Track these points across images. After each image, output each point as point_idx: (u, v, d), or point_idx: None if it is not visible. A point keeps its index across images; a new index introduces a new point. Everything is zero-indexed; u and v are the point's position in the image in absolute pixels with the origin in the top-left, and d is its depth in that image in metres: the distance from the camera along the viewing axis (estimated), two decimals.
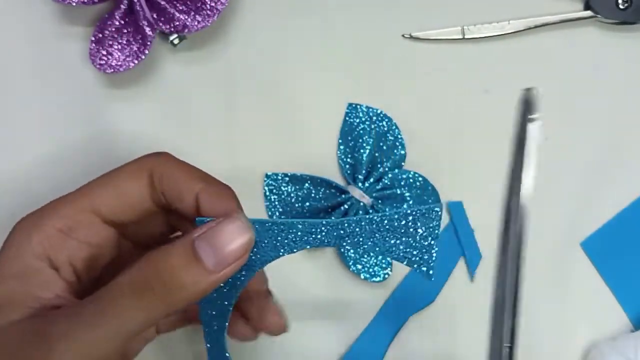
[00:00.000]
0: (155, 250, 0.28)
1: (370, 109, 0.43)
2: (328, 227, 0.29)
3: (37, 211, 0.31)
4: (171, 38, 0.42)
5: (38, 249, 0.29)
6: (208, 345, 0.32)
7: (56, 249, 0.30)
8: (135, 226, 0.32)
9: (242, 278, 0.30)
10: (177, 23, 0.41)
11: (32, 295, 0.29)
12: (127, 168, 0.31)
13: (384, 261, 0.42)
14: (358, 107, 0.44)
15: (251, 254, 0.29)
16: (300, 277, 0.43)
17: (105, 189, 0.31)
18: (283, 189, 0.43)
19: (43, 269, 0.29)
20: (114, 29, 0.41)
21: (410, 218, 0.29)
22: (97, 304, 0.27)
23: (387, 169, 0.43)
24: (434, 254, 0.30)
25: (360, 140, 0.43)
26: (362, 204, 0.42)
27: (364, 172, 0.43)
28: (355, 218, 0.29)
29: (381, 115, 0.43)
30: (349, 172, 0.43)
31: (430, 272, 0.30)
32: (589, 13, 0.44)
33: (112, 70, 0.41)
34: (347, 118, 0.43)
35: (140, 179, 0.31)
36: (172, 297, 0.27)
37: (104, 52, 0.41)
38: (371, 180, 0.43)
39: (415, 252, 0.30)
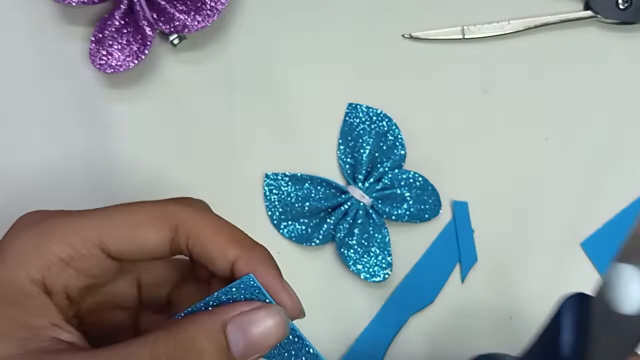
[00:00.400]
0: (181, 323, 0.26)
1: (370, 109, 0.43)
2: None
3: (33, 229, 0.28)
4: (171, 38, 0.42)
5: (33, 272, 0.27)
6: None
7: (53, 275, 0.28)
8: (144, 265, 0.31)
9: None
10: (177, 23, 0.41)
11: (23, 323, 0.27)
12: (148, 212, 0.29)
13: (384, 261, 0.42)
14: (358, 107, 0.44)
15: None
16: (300, 277, 0.43)
17: (118, 229, 0.28)
18: (283, 189, 0.43)
19: (36, 294, 0.27)
20: (114, 29, 0.41)
21: (234, 289, 0.28)
22: None
23: (387, 169, 0.43)
24: None
25: (360, 140, 0.43)
26: (362, 204, 0.42)
27: (364, 172, 0.43)
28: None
29: (381, 115, 0.43)
30: (349, 172, 0.43)
31: None
32: (589, 13, 0.44)
33: (112, 70, 0.41)
34: (347, 118, 0.43)
35: (161, 231, 0.29)
36: None
37: (104, 52, 0.41)
38: (371, 180, 0.43)
39: None
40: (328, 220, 0.42)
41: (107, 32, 0.41)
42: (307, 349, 0.29)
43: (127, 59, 0.41)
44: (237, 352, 0.26)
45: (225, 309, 0.27)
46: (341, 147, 0.43)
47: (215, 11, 0.41)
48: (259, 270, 0.28)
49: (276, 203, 0.43)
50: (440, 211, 0.43)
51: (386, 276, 0.42)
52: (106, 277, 0.30)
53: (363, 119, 0.43)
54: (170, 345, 0.26)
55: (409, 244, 0.43)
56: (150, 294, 0.32)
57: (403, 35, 0.44)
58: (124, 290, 0.32)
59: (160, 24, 0.41)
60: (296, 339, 0.29)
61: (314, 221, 0.43)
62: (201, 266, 0.29)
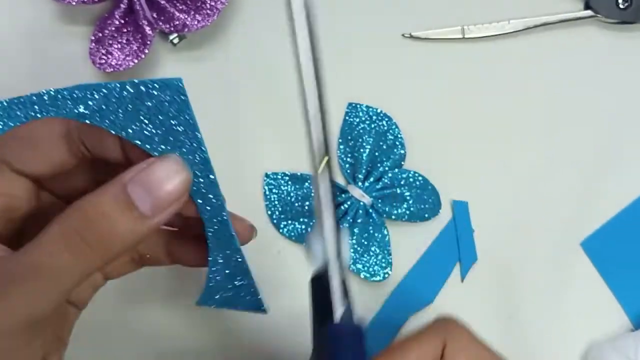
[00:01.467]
0: (84, 197, 0.25)
1: (370, 109, 0.43)
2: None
3: None
4: (171, 37, 0.42)
5: None
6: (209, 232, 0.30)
7: None
8: (54, 179, 0.30)
9: None
10: (177, 22, 0.41)
11: None
12: (39, 120, 0.28)
13: (383, 261, 0.42)
14: (358, 107, 0.44)
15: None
16: (300, 277, 0.43)
17: (14, 140, 0.28)
18: (283, 188, 0.43)
19: None
20: (114, 28, 0.41)
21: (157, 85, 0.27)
22: (29, 257, 0.25)
23: (387, 169, 0.43)
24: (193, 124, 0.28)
25: (360, 140, 0.43)
26: (362, 203, 0.42)
27: (363, 171, 0.43)
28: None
29: (381, 115, 0.43)
30: (348, 171, 0.43)
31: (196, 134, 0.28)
32: (589, 13, 0.44)
33: (112, 69, 0.41)
34: (347, 118, 0.43)
35: (54, 128, 0.28)
36: (107, 248, 0.25)
37: (104, 52, 0.41)
38: (371, 179, 0.43)
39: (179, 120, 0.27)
40: None
41: (107, 31, 0.41)
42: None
43: (127, 58, 0.41)
44: (145, 209, 0.25)
45: (123, 174, 0.26)
46: (341, 146, 0.43)
47: (215, 10, 0.41)
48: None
49: (276, 202, 0.43)
50: (440, 211, 0.43)
51: (386, 276, 0.42)
52: (22, 199, 0.29)
53: (363, 119, 0.43)
54: (75, 218, 0.25)
55: (409, 243, 0.43)
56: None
57: (403, 35, 0.44)
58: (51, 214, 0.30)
59: (160, 23, 0.41)
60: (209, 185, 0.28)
61: (314, 220, 0.43)
62: (99, 159, 0.29)
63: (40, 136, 0.28)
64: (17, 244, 0.28)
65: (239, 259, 0.31)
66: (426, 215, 0.43)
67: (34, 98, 0.26)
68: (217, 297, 0.33)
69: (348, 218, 0.42)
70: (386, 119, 0.43)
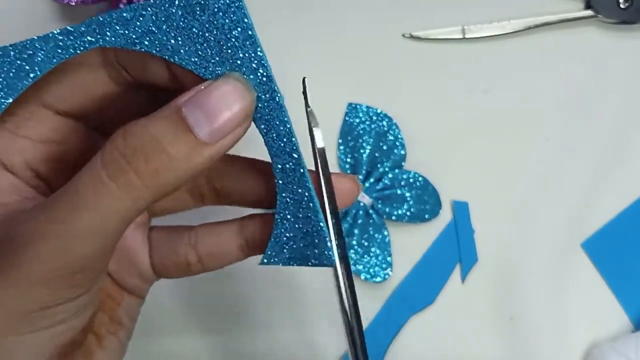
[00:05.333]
0: (132, 122, 0.23)
1: (370, 109, 0.43)
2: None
3: None
4: None
5: None
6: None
7: (6, 151, 0.25)
8: (100, 114, 0.27)
9: None
10: None
11: None
12: (75, 57, 0.25)
13: (384, 261, 0.42)
14: (358, 107, 0.43)
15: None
16: (300, 277, 0.43)
17: (53, 79, 0.25)
18: None
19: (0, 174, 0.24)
20: None
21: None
22: (70, 195, 0.22)
23: (387, 169, 0.43)
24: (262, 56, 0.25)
25: (360, 140, 0.43)
26: (362, 204, 0.42)
27: (364, 172, 0.42)
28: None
29: (381, 115, 0.43)
30: (349, 172, 0.43)
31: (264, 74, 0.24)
32: (589, 12, 0.44)
33: None
34: (347, 118, 0.43)
35: (92, 58, 0.25)
36: (159, 178, 0.22)
37: None
38: (371, 180, 0.42)
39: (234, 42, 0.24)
40: None
41: None
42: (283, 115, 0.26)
43: None
44: (204, 134, 0.22)
45: (183, 94, 0.23)
46: (341, 147, 0.43)
47: None
48: None
49: None
50: (441, 211, 0.43)
51: (386, 276, 0.42)
52: (70, 143, 0.26)
53: (363, 119, 0.43)
54: (121, 143, 0.22)
55: (409, 244, 0.43)
56: None
57: (403, 35, 0.44)
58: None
59: None
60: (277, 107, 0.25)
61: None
62: (144, 85, 0.26)
63: (78, 69, 0.25)
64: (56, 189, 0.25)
65: (310, 201, 0.26)
66: (426, 216, 0.43)
67: (82, 28, 0.24)
68: (285, 250, 0.28)
69: (348, 219, 0.42)
70: (386, 119, 0.43)
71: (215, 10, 0.24)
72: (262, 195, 0.29)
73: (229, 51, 0.24)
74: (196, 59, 0.24)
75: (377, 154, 0.43)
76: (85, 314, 0.24)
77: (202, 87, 0.23)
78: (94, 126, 0.27)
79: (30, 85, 0.24)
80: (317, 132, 0.28)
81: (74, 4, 0.41)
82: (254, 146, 0.28)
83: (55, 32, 0.24)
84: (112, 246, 0.23)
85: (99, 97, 0.26)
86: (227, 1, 0.24)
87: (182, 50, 0.24)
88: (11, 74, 0.24)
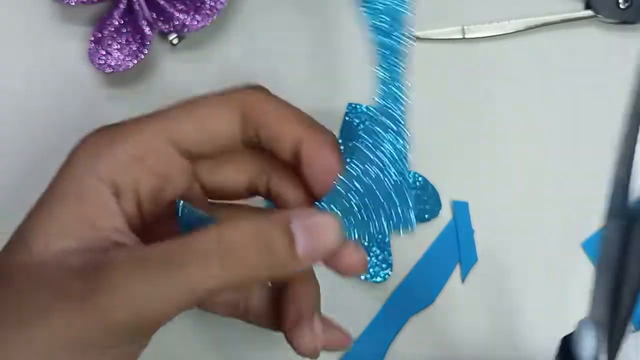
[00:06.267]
0: (247, 218, 0.26)
1: (371, 109, 0.43)
2: None
3: (108, 131, 0.27)
4: (170, 37, 0.42)
5: (104, 170, 0.26)
6: None
7: (124, 174, 0.27)
8: (211, 166, 0.30)
9: None
10: (176, 22, 0.41)
11: (89, 221, 0.26)
12: (217, 98, 0.28)
13: (384, 261, 0.42)
14: (358, 107, 0.43)
15: None
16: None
17: (188, 118, 0.28)
18: None
19: (104, 193, 0.26)
20: (113, 29, 0.41)
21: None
22: (169, 254, 0.24)
23: None
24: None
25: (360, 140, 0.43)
26: None
27: None
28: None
29: None
30: None
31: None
32: (589, 13, 0.44)
33: (111, 69, 0.41)
34: (347, 118, 0.43)
35: (232, 112, 0.28)
36: (253, 271, 0.25)
37: (103, 52, 0.41)
38: None
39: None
40: None
41: (106, 31, 0.41)
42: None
43: (126, 58, 0.41)
44: (300, 251, 0.25)
45: (295, 211, 0.27)
46: (341, 147, 0.43)
47: (214, 10, 0.41)
48: (319, 152, 0.28)
49: None
50: (440, 211, 0.43)
51: (386, 276, 0.42)
52: (176, 182, 0.29)
53: (363, 119, 0.43)
54: (237, 232, 0.25)
55: (409, 244, 0.43)
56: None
57: None
58: (194, 197, 0.31)
59: (160, 24, 0.41)
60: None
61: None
62: (269, 152, 0.29)
63: (217, 115, 0.28)
64: (153, 227, 0.27)
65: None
66: (426, 216, 0.43)
67: None
68: None
69: None
70: None
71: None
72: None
73: None
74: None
75: None
76: (132, 357, 0.26)
77: (313, 213, 0.27)
78: (197, 171, 0.30)
79: (163, 116, 0.28)
80: None
81: (73, 4, 0.41)
82: None
83: None
84: (178, 313, 0.25)
85: (221, 147, 0.29)
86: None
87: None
88: None
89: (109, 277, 0.24)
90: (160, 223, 0.29)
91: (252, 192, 0.32)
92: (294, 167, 0.29)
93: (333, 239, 0.26)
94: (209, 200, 0.31)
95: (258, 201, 0.33)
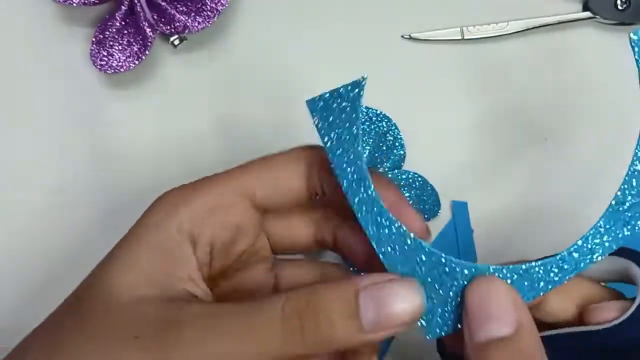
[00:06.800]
0: (317, 287, 0.26)
1: (370, 109, 0.44)
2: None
3: (186, 186, 0.29)
4: (172, 39, 0.42)
5: (185, 223, 0.28)
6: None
7: (201, 225, 0.28)
8: (281, 221, 0.31)
9: None
10: (178, 24, 0.41)
11: (166, 271, 0.27)
12: (285, 155, 0.30)
13: None
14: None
15: None
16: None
17: (261, 173, 0.29)
18: None
19: (183, 244, 0.28)
20: (114, 30, 0.41)
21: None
22: (240, 316, 0.25)
23: (386, 169, 0.43)
24: None
25: None
26: None
27: None
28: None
29: (381, 115, 0.43)
30: None
31: None
32: (587, 14, 0.44)
33: (113, 70, 0.41)
34: None
35: (299, 167, 0.30)
36: (316, 343, 0.25)
37: (105, 53, 0.41)
38: None
39: None
40: None
41: (108, 33, 0.41)
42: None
43: (128, 59, 0.41)
44: (367, 323, 0.25)
45: (361, 277, 0.26)
46: None
47: (215, 12, 0.41)
48: (389, 193, 0.29)
49: None
50: (440, 211, 0.43)
51: None
52: (247, 235, 0.30)
53: (363, 120, 0.43)
54: (302, 303, 0.25)
55: None
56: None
57: (402, 36, 0.44)
58: (259, 257, 0.32)
59: (161, 25, 0.41)
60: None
61: None
62: (336, 203, 0.30)
63: (285, 171, 0.30)
64: (219, 279, 0.28)
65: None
66: (426, 216, 0.43)
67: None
68: None
69: None
70: (386, 120, 0.43)
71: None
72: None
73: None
74: None
75: (376, 154, 0.43)
76: None
77: (384, 279, 0.26)
78: (267, 225, 0.31)
79: (238, 171, 0.29)
80: None
81: (75, 5, 0.41)
82: None
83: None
84: None
85: (292, 200, 0.30)
86: None
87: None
88: None
89: (183, 332, 0.25)
90: (228, 276, 0.30)
91: (319, 243, 0.33)
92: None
93: (406, 309, 0.25)
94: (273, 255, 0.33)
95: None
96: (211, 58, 0.44)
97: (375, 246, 0.27)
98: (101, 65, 0.41)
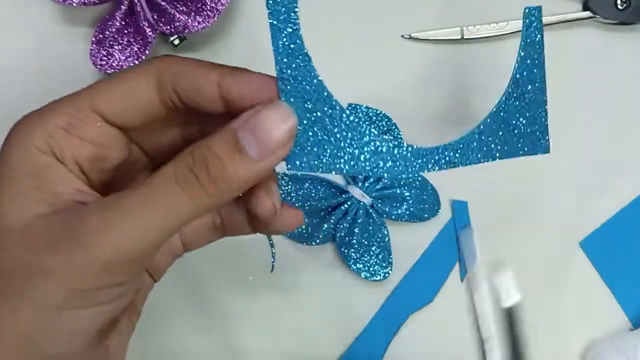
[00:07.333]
0: (197, 142, 0.27)
1: (370, 109, 0.44)
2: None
3: (35, 111, 0.29)
4: (171, 39, 0.42)
5: (43, 145, 0.28)
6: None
7: (60, 145, 0.28)
8: (144, 131, 0.31)
9: None
10: (178, 24, 0.41)
11: (52, 190, 0.27)
12: (132, 69, 0.30)
13: (384, 260, 0.42)
14: (358, 107, 0.44)
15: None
16: (301, 277, 0.44)
17: (107, 89, 0.29)
18: (283, 188, 0.43)
19: (54, 164, 0.28)
20: (114, 30, 0.41)
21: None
22: (138, 193, 0.26)
23: None
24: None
25: None
26: (362, 203, 0.42)
27: None
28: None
29: (381, 115, 0.43)
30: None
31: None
32: (587, 14, 0.44)
33: (113, 70, 0.41)
34: None
35: (146, 79, 0.29)
36: (217, 186, 0.26)
37: (105, 53, 0.41)
38: (371, 180, 0.43)
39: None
40: (328, 219, 0.42)
41: (108, 32, 0.41)
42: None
43: (128, 59, 0.41)
44: (253, 153, 0.27)
45: (236, 119, 0.27)
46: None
47: (215, 12, 0.41)
48: (248, 78, 0.29)
49: None
50: (440, 211, 0.43)
51: (386, 275, 0.42)
52: (113, 149, 0.30)
53: (363, 119, 0.43)
54: (189, 159, 0.26)
55: (409, 243, 0.43)
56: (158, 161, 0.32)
57: (402, 36, 0.45)
58: (137, 168, 0.32)
59: (161, 25, 0.41)
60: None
61: (315, 221, 0.43)
62: (194, 109, 0.29)
63: (133, 86, 0.29)
64: (104, 195, 0.28)
65: None
66: (426, 215, 0.43)
67: None
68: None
69: (348, 218, 0.42)
70: (386, 120, 0.43)
71: None
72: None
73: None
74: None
75: None
76: (128, 296, 0.28)
77: (253, 112, 0.27)
78: (132, 138, 0.31)
79: (87, 91, 0.29)
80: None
81: (75, 5, 0.41)
82: None
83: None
84: (165, 242, 0.27)
85: (147, 115, 0.30)
86: None
87: None
88: None
89: (87, 224, 0.26)
90: (110, 189, 0.30)
91: (190, 140, 0.32)
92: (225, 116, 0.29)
93: (283, 130, 0.27)
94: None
95: None
96: (211, 58, 0.43)
97: (277, 68, 0.29)
98: (101, 65, 0.41)
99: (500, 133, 0.32)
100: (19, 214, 0.27)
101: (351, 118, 0.29)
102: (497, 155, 0.32)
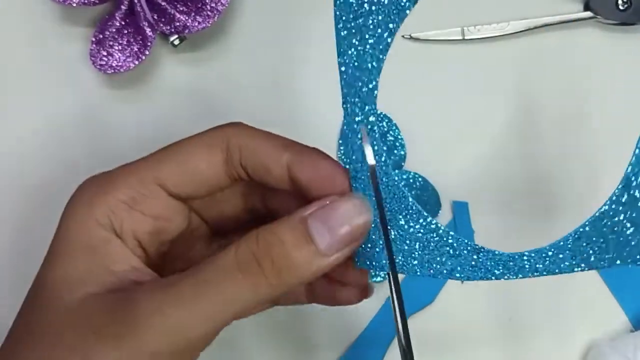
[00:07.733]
0: (263, 226, 0.26)
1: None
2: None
3: (96, 181, 0.28)
4: (171, 39, 0.42)
5: (103, 219, 0.27)
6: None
7: (120, 220, 0.27)
8: (206, 201, 0.30)
9: None
10: (178, 24, 0.41)
11: (106, 268, 0.26)
12: (198, 140, 0.29)
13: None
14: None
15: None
16: None
17: (171, 162, 0.28)
18: None
19: (112, 240, 0.27)
20: (114, 30, 0.41)
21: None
22: (196, 278, 0.25)
23: None
24: None
25: None
26: None
27: None
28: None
29: (381, 115, 0.43)
30: None
31: None
32: (588, 14, 0.44)
33: (113, 70, 0.41)
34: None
35: (214, 154, 0.28)
36: (281, 278, 0.25)
37: (105, 53, 0.41)
38: None
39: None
40: None
41: (107, 32, 0.41)
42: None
43: (128, 59, 0.41)
44: (324, 245, 0.25)
45: (305, 207, 0.26)
46: (342, 147, 0.43)
47: (215, 12, 0.41)
48: (319, 164, 0.28)
49: None
50: (440, 211, 0.43)
51: (386, 276, 0.42)
52: (174, 222, 0.29)
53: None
54: (253, 244, 0.25)
55: None
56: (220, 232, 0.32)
57: (403, 36, 0.44)
58: (196, 237, 0.31)
59: (161, 25, 0.41)
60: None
61: None
62: (260, 184, 0.29)
63: (200, 159, 0.28)
64: (161, 266, 0.28)
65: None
66: None
67: None
68: None
69: None
70: (386, 120, 0.43)
71: None
72: None
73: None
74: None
75: None
76: None
77: (327, 202, 0.26)
78: (194, 206, 0.30)
79: (151, 162, 0.28)
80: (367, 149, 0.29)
81: (75, 5, 0.41)
82: None
83: None
84: (219, 331, 0.26)
85: (211, 187, 0.29)
86: None
87: None
88: None
89: (139, 308, 0.24)
90: (169, 263, 0.30)
91: (251, 212, 0.32)
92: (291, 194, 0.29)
93: (357, 224, 0.26)
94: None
95: None
96: (211, 58, 0.44)
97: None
98: (101, 65, 0.41)
99: (602, 240, 0.29)
100: (70, 293, 0.26)
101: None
102: (593, 264, 0.29)
